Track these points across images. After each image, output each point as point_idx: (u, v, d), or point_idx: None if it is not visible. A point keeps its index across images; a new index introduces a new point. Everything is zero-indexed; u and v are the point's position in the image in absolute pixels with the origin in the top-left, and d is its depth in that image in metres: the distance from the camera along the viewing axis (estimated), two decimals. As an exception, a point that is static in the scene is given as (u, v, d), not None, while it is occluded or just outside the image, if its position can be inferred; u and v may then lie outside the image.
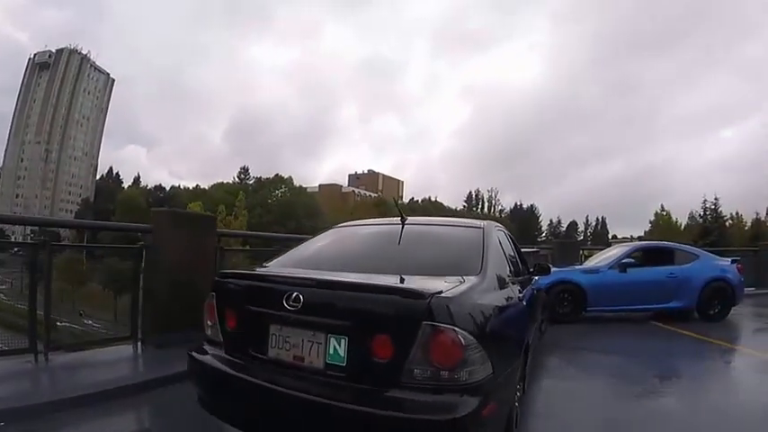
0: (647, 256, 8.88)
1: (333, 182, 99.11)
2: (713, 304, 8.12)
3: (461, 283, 2.38)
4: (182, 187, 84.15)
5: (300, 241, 3.78)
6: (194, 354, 2.67)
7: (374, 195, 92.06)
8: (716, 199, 46.96)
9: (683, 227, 48.99)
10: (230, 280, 2.76)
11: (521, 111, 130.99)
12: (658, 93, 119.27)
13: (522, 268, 4.23)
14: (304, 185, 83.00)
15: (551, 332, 6.44)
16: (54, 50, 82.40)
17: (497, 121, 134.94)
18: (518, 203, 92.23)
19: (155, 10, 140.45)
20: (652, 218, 51.58)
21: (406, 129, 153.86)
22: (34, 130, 79.81)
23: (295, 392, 2.16)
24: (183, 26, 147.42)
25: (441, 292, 2.15)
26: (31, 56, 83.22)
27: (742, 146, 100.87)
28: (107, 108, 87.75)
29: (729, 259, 8.90)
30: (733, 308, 8.26)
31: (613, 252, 8.98)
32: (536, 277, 5.13)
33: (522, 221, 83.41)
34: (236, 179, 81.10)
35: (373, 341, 2.13)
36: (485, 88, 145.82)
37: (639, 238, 52.20)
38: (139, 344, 4.55)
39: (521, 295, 3.30)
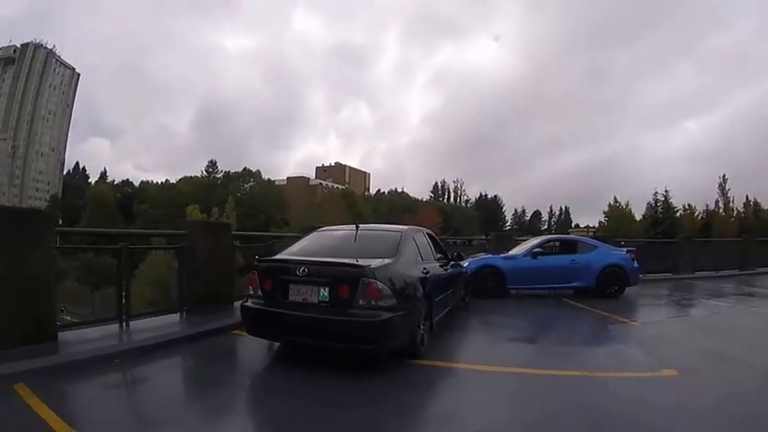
0: (557, 246, 11.43)
1: (301, 174, 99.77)
2: (610, 285, 10.10)
3: (382, 260, 4.84)
4: (152, 182, 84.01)
5: (289, 240, 6.31)
6: (245, 304, 5.09)
7: (341, 187, 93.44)
8: (666, 191, 49.25)
9: (640, 217, 50.56)
10: (265, 263, 5.23)
11: (490, 100, 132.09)
12: (626, 82, 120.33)
13: (437, 255, 6.71)
14: (272, 178, 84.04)
15: (479, 303, 8.96)
16: (19, 45, 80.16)
17: (466, 110, 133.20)
18: (483, 194, 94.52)
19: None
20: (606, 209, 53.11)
21: (375, 117, 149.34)
22: (0, 127, 78.59)
23: (304, 314, 4.65)
24: (145, 12, 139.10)
25: (370, 265, 4.60)
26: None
27: (706, 137, 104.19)
28: (73, 103, 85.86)
29: (625, 249, 11.10)
30: (633, 288, 10.49)
31: (529, 243, 11.36)
32: (464, 262, 8.77)
33: (486, 211, 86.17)
34: (205, 173, 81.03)
35: (340, 288, 4.58)
36: (454, 77, 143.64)
37: (595, 229, 54.49)
38: (184, 313, 6.64)
39: (427, 269, 5.66)
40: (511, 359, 5.40)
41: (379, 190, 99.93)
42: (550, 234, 47.78)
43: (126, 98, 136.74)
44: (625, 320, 7.70)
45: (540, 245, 10.95)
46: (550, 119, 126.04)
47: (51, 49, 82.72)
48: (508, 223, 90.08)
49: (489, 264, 10.37)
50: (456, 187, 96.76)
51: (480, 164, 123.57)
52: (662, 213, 47.37)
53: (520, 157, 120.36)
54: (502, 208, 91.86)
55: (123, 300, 5.98)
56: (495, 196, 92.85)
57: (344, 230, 6.11)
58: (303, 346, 5.13)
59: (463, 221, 73.40)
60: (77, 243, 29.27)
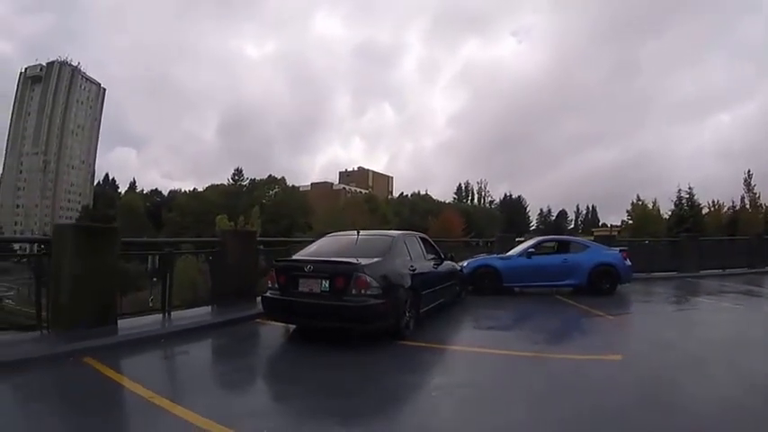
0: (551, 246, 12.32)
1: (324, 179, 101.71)
2: (602, 283, 10.79)
3: (373, 259, 6.11)
4: (180, 190, 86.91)
5: (305, 243, 7.74)
6: (265, 295, 6.42)
7: (364, 192, 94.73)
8: (690, 188, 48.11)
9: (667, 215, 48.96)
10: (281, 263, 6.58)
11: (515, 97, 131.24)
12: (655, 75, 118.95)
13: (428, 255, 7.94)
14: (296, 184, 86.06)
15: (475, 299, 10.02)
16: (45, 64, 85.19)
17: (492, 109, 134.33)
18: (507, 194, 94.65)
19: (136, 7, 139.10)
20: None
21: (399, 119, 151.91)
22: (31, 142, 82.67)
23: (310, 301, 5.99)
24: (167, 21, 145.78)
25: (361, 262, 5.90)
26: (22, 70, 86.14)
27: (738, 131, 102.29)
28: (101, 117, 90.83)
29: (618, 248, 11.82)
30: (630, 286, 11.32)
31: (525, 244, 12.32)
32: (464, 262, 10.49)
33: (510, 212, 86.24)
34: (231, 180, 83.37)
35: (337, 281, 5.89)
36: (480, 74, 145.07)
37: (618, 228, 53.48)
38: (215, 306, 7.93)
39: (414, 267, 6.85)
40: (481, 342, 6.53)
41: (402, 193, 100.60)
42: (569, 234, 47.60)
43: (152, 108, 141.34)
44: (602, 314, 8.37)
45: (534, 245, 11.82)
46: (577, 116, 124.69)
47: (77, 66, 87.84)
48: (533, 224, 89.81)
49: (486, 264, 11.33)
50: (480, 188, 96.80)
51: (506, 164, 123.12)
52: (686, 211, 46.33)
53: (546, 155, 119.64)
54: (526, 208, 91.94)
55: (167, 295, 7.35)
56: (519, 196, 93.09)
57: (348, 235, 7.45)
58: (312, 330, 6.53)
59: (486, 223, 73.70)
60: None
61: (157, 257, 8.10)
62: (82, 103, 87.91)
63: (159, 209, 77.40)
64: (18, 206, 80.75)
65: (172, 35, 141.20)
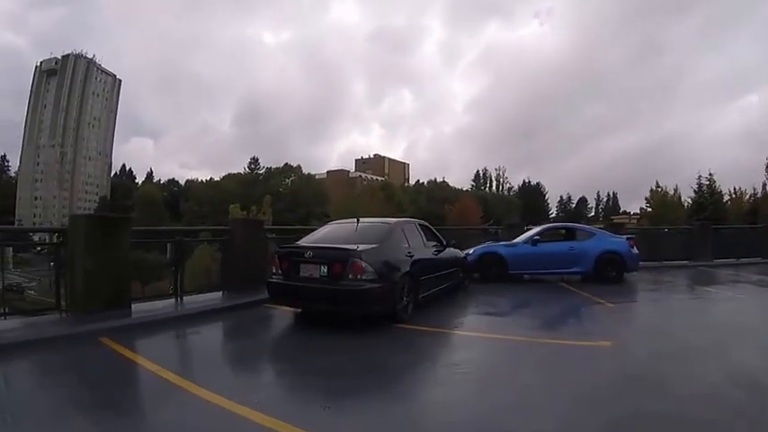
0: (557, 233, 12.42)
1: (341, 167, 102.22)
2: (608, 270, 10.84)
3: (369, 245, 6.44)
4: (197, 180, 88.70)
5: (308, 231, 8.11)
6: (270, 280, 6.78)
7: (380, 179, 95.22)
8: (710, 174, 47.57)
9: (688, 202, 48.44)
10: (283, 249, 6.94)
11: (536, 82, 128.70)
12: (679, 57, 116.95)
13: (428, 242, 8.23)
14: (313, 173, 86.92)
15: (481, 286, 10.31)
16: (60, 57, 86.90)
17: (512, 94, 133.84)
18: (526, 181, 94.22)
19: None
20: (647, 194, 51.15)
21: (418, 106, 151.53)
22: (47, 134, 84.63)
23: (310, 285, 6.37)
24: (182, 11, 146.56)
25: (357, 248, 6.22)
26: (38, 63, 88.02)
27: (762, 116, 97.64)
28: (116, 108, 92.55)
29: (625, 236, 11.85)
30: (638, 275, 11.43)
31: (532, 231, 12.45)
32: (470, 249, 10.80)
33: (529, 199, 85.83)
34: (247, 169, 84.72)
35: (335, 266, 6.24)
36: (500, 59, 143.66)
37: (638, 216, 52.60)
38: (225, 291, 8.38)
39: (412, 253, 7.16)
40: (477, 327, 6.84)
41: (418, 180, 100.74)
42: (588, 223, 47.09)
43: (169, 98, 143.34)
44: (602, 302, 8.46)
45: (540, 233, 11.99)
46: (599, 100, 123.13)
47: (92, 59, 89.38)
48: (552, 211, 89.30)
49: (492, 251, 11.50)
50: (498, 175, 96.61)
51: (525, 150, 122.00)
52: (707, 198, 45.76)
53: (567, 141, 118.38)
54: (545, 195, 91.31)
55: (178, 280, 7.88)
56: (538, 183, 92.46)
57: (349, 223, 7.77)
58: (315, 313, 6.89)
59: (505, 210, 73.50)
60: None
61: (177, 248, 8.54)
62: (98, 95, 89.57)
63: (177, 199, 78.91)
64: (36, 198, 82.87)
65: (187, 24, 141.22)
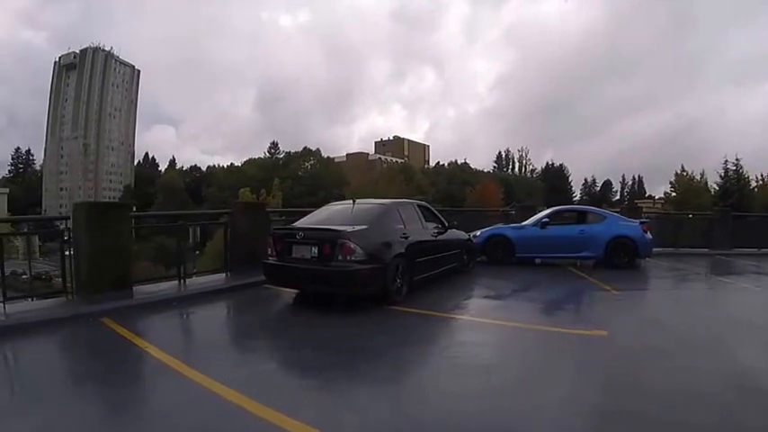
0: (567, 216, 12.18)
1: (361, 150, 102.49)
2: (620, 256, 10.59)
3: (359, 226, 6.55)
4: (217, 166, 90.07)
5: (305, 213, 8.28)
6: (265, 261, 6.95)
7: (400, 161, 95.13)
8: (737, 159, 46.34)
9: (715, 187, 47.27)
10: (277, 231, 7.10)
11: (561, 60, 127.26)
12: (710, 33, 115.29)
13: (427, 224, 8.25)
14: (332, 156, 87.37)
15: (485, 268, 10.33)
16: (78, 51, 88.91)
17: (537, 74, 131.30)
18: (550, 163, 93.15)
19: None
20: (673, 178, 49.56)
21: (440, 85, 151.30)
22: (70, 127, 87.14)
23: (301, 266, 6.57)
24: None
25: (346, 229, 6.36)
26: (57, 58, 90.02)
27: None
28: (137, 98, 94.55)
29: (638, 220, 11.49)
30: (653, 261, 11.23)
31: (541, 213, 12.17)
32: (478, 231, 10.87)
33: (552, 182, 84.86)
34: (267, 154, 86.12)
35: (324, 247, 6.38)
36: (524, 36, 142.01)
37: (662, 201, 51.29)
38: (229, 273, 8.64)
39: (407, 234, 7.22)
40: (470, 310, 6.88)
41: (439, 162, 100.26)
42: (613, 207, 46.13)
43: (189, 85, 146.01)
44: (608, 289, 8.29)
45: (549, 215, 11.72)
46: (626, 79, 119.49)
47: (109, 51, 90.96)
48: (576, 194, 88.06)
49: (499, 233, 11.43)
50: (521, 157, 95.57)
51: (549, 131, 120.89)
52: (733, 184, 44.67)
53: (592, 122, 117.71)
54: (568, 178, 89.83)
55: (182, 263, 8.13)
56: (561, 165, 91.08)
57: (346, 204, 7.85)
58: (311, 294, 7.06)
59: (527, 193, 72.86)
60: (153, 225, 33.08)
61: (198, 232, 8.86)
62: (117, 86, 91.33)
63: (199, 184, 80.00)
64: (62, 189, 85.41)
65: (204, 9, 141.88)
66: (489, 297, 8.07)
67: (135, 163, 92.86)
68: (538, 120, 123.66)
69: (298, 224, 7.51)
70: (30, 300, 6.81)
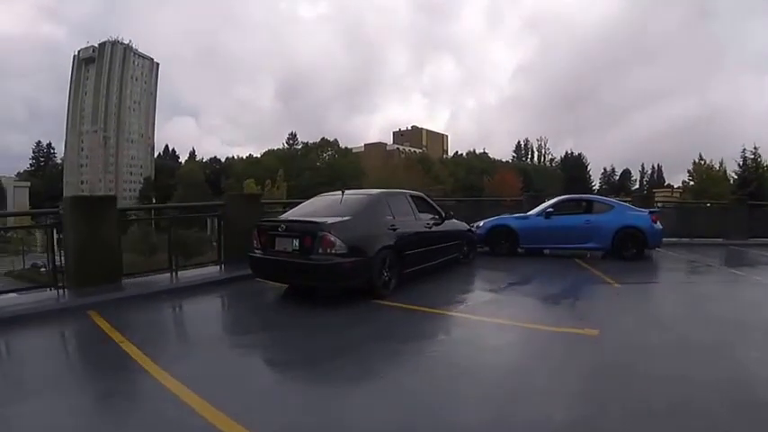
0: (573, 205, 11.78)
1: (379, 140, 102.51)
2: (628, 247, 10.27)
3: (341, 218, 6.43)
4: (236, 157, 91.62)
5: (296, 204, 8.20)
6: (251, 254, 6.88)
7: (418, 151, 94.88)
8: (755, 148, 45.40)
9: (734, 176, 45.97)
10: (261, 223, 6.98)
11: (583, 49, 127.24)
12: (735, 20, 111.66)
13: (420, 215, 8.01)
14: (350, 146, 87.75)
15: (486, 260, 10.13)
16: (96, 45, 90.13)
17: (558, 63, 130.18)
18: (569, 152, 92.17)
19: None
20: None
21: (460, 75, 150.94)
22: (90, 120, 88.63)
23: (284, 259, 6.47)
24: None
25: (327, 221, 6.25)
26: (76, 52, 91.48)
27: None
28: (156, 90, 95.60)
29: (647, 210, 11.06)
30: (666, 252, 10.86)
31: (546, 203, 11.76)
32: (481, 222, 10.71)
33: (571, 171, 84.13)
34: (286, 145, 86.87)
35: (305, 240, 6.26)
36: (546, 23, 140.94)
37: (680, 190, 50.50)
38: (223, 265, 8.66)
39: (396, 226, 7.05)
40: (458, 305, 6.55)
41: (457, 152, 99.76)
42: (631, 195, 45.18)
43: (209, 77, 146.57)
44: (610, 282, 8.04)
45: (554, 205, 11.35)
46: (647, 67, 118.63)
47: (128, 44, 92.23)
48: (595, 183, 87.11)
49: (502, 224, 11.11)
50: (540, 146, 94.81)
51: (569, 120, 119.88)
52: (751, 173, 43.70)
53: (612, 111, 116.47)
54: (587, 167, 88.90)
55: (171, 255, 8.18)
56: (580, 154, 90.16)
57: (335, 195, 7.69)
58: (300, 287, 7.01)
59: (546, 182, 72.17)
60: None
61: (216, 223, 9.08)
62: (136, 79, 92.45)
63: (219, 176, 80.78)
64: (82, 182, 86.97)
65: (223, 1, 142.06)
66: (482, 291, 7.87)
67: (155, 155, 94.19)
68: (558, 109, 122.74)
69: (284, 216, 7.40)
70: (17, 293, 6.83)
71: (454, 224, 9.15)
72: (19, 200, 69.08)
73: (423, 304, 6.35)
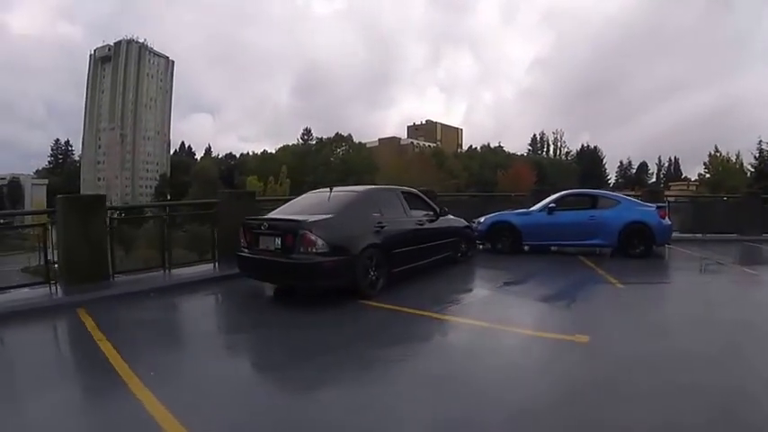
0: (577, 200, 11.36)
1: (394, 134, 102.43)
2: (634, 244, 9.83)
3: (323, 216, 6.35)
4: (251, 154, 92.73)
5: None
6: (239, 253, 6.83)
7: (432, 146, 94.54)
8: None
9: (751, 169, 44.96)
10: (246, 221, 6.92)
11: (600, 41, 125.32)
12: (749, 15, 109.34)
13: (411, 212, 7.87)
14: (364, 141, 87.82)
15: (486, 257, 10.02)
16: (112, 44, 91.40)
17: (574, 55, 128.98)
18: (585, 145, 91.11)
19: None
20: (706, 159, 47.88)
21: (477, 68, 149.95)
22: (107, 118, 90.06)
23: (266, 258, 6.46)
24: None
25: (307, 220, 6.18)
26: (92, 52, 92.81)
27: None
28: (171, 88, 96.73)
29: (655, 205, 10.56)
30: (678, 249, 10.48)
31: (549, 198, 11.26)
32: (481, 218, 10.55)
33: (587, 164, 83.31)
34: (300, 140, 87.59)
35: (286, 238, 6.21)
36: (563, 17, 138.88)
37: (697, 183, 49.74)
38: (217, 263, 8.69)
39: (383, 223, 6.91)
40: (446, 307, 6.21)
41: (471, 146, 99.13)
42: (650, 189, 44.53)
43: (224, 73, 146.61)
44: (613, 282, 7.68)
45: (557, 200, 10.97)
46: (663, 61, 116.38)
47: (143, 43, 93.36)
48: (611, 176, 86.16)
49: (503, 220, 10.78)
50: (555, 139, 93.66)
51: (586, 113, 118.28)
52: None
53: (629, 103, 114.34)
54: (603, 160, 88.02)
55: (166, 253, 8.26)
56: (595, 147, 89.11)
57: (324, 192, 7.58)
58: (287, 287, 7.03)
59: (561, 176, 71.41)
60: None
61: None
62: (152, 76, 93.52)
63: (232, 173, 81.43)
64: (99, 179, 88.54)
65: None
66: (474, 291, 7.73)
67: (171, 152, 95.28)
68: (574, 102, 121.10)
69: (271, 214, 7.36)
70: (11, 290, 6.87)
71: (450, 221, 8.95)
72: (37, 197, 70.08)
73: (409, 305, 6.11)
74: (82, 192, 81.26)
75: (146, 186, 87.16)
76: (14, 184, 75.67)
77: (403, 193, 8.16)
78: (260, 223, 6.75)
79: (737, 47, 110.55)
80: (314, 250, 6.05)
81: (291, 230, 6.20)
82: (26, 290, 6.90)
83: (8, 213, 24.75)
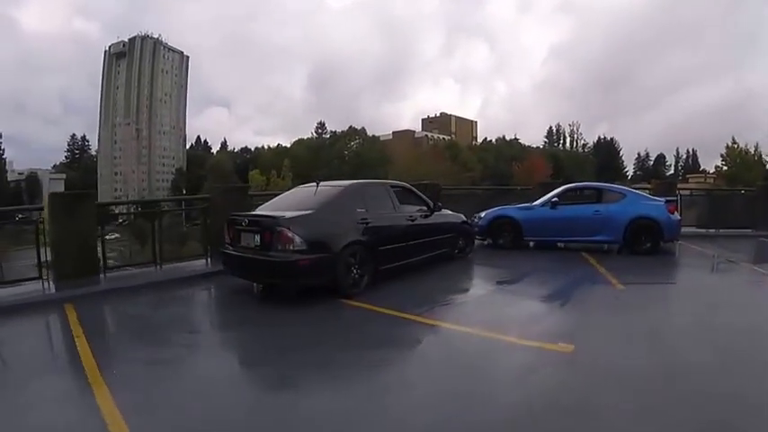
0: (581, 194, 10.93)
1: (408, 127, 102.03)
2: (641, 240, 9.46)
3: (302, 212, 6.29)
4: (265, 147, 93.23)
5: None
6: (223, 250, 6.80)
7: (447, 138, 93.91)
8: None
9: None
10: (230, 217, 6.84)
11: (616, 31, 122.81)
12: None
13: (401, 207, 7.66)
14: (378, 134, 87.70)
15: (485, 253, 9.87)
16: (127, 40, 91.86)
17: (592, 46, 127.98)
18: (601, 137, 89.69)
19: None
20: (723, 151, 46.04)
21: (492, 60, 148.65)
22: (122, 113, 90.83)
23: (247, 255, 6.40)
24: None
25: (284, 216, 6.13)
26: (107, 48, 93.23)
27: None
28: (186, 83, 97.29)
29: (663, 199, 10.04)
30: (689, 246, 10.12)
31: (552, 192, 10.80)
32: (482, 213, 10.31)
33: (604, 156, 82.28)
34: (314, 134, 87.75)
35: (265, 235, 6.13)
36: (580, 7, 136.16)
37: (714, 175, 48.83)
38: (209, 259, 8.69)
39: (368, 219, 6.76)
40: (429, 309, 5.88)
41: (486, 138, 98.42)
42: (668, 181, 43.89)
43: (240, 66, 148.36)
44: (613, 282, 7.30)
45: (560, 194, 10.58)
46: (683, 49, 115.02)
47: (158, 39, 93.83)
48: (628, 169, 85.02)
49: (504, 214, 10.50)
50: (572, 131, 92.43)
51: (603, 105, 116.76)
52: None
53: (647, 94, 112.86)
54: (619, 152, 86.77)
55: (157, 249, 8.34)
56: (612, 139, 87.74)
57: (311, 187, 7.47)
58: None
59: (577, 168, 70.59)
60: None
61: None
62: (167, 72, 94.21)
63: (246, 167, 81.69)
64: (116, 174, 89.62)
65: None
66: (465, 290, 7.55)
67: (187, 146, 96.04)
68: (591, 93, 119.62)
69: (257, 210, 7.31)
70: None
71: (445, 216, 8.72)
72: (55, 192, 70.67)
73: (390, 306, 5.85)
74: (99, 186, 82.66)
75: (162, 180, 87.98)
76: (33, 180, 76.76)
77: (393, 187, 8.01)
78: (242, 219, 6.65)
79: (756, 37, 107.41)
80: (291, 248, 5.96)
81: (269, 227, 6.11)
82: (24, 285, 6.94)
83: (5, 210, 25.02)
